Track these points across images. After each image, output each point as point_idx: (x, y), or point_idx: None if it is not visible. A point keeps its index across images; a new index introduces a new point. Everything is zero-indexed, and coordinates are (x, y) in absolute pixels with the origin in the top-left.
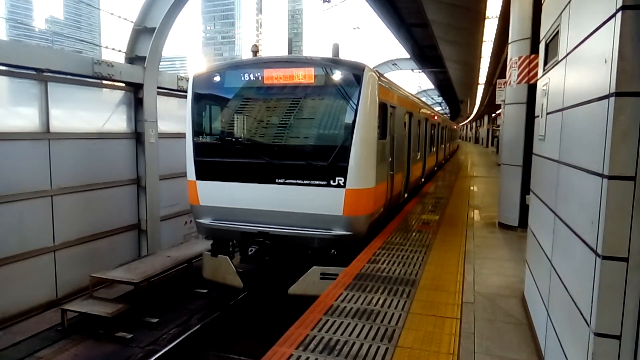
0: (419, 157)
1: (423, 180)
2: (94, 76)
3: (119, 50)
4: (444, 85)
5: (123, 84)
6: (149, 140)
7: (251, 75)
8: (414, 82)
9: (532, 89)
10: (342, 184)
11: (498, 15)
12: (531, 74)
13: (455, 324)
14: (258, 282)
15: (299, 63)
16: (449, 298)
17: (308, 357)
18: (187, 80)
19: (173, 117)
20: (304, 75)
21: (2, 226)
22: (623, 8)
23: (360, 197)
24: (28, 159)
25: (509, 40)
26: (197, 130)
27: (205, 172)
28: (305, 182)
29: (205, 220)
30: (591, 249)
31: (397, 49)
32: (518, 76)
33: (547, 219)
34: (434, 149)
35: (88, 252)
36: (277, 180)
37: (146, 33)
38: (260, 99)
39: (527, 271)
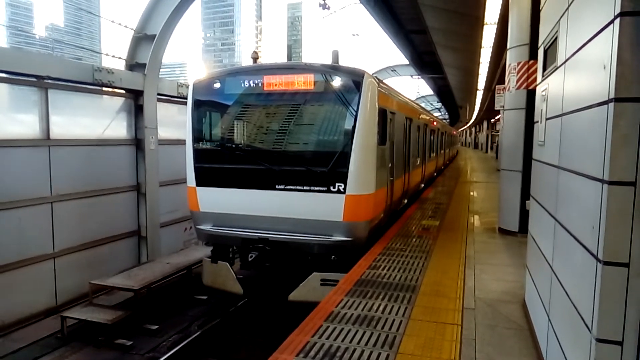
0: (418, 162)
1: (423, 185)
2: (94, 83)
3: (119, 58)
4: (443, 91)
5: (123, 91)
6: (149, 147)
7: (251, 82)
8: (413, 88)
9: (531, 95)
10: (342, 190)
11: (497, 22)
12: (530, 80)
13: (456, 330)
14: (258, 289)
15: (298, 69)
16: (449, 304)
17: None
18: (187, 87)
19: (173, 123)
20: (303, 82)
21: (1, 233)
22: (622, 14)
23: (360, 202)
24: (28, 166)
25: (508, 46)
26: (197, 137)
27: (205, 178)
28: (305, 188)
29: (205, 227)
30: (592, 254)
31: (396, 55)
32: (517, 82)
33: (548, 225)
34: (434, 154)
35: (88, 258)
36: (277, 186)
37: (146, 40)
38: (260, 105)
39: (527, 276)
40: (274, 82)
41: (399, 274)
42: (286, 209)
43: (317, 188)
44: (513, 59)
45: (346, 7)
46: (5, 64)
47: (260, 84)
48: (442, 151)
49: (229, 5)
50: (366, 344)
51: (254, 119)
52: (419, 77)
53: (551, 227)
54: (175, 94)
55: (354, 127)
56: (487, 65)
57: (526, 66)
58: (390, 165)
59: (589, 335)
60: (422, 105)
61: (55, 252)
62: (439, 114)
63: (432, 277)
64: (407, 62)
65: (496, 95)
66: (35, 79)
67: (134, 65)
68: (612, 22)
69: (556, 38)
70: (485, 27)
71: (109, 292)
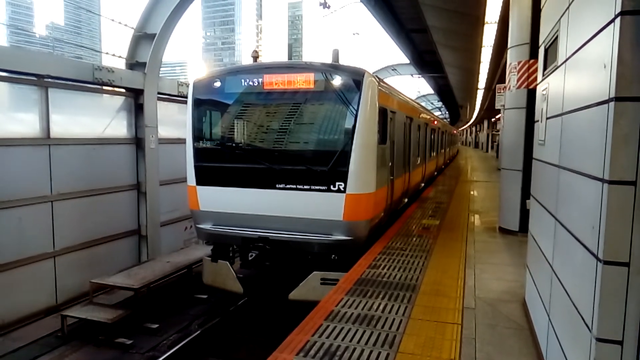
0: (419, 161)
1: (423, 185)
2: (94, 82)
3: (120, 56)
4: (443, 90)
5: (123, 90)
6: (149, 146)
7: (251, 81)
8: (414, 87)
9: (531, 94)
10: (342, 189)
11: (497, 21)
12: (530, 79)
13: (456, 330)
14: (258, 288)
15: (299, 68)
16: (449, 303)
17: None
18: (188, 86)
19: (173, 122)
20: (304, 81)
21: (2, 232)
22: (622, 13)
23: (361, 202)
24: (28, 165)
25: (508, 46)
26: (198, 136)
27: (205, 177)
28: (305, 187)
29: (206, 226)
30: (592, 253)
31: (396, 54)
32: (517, 81)
33: (548, 224)
34: (434, 153)
35: (88, 257)
36: (277, 186)
37: (146, 39)
38: (260, 104)
39: (527, 276)
40: (274, 81)
41: (399, 273)
42: (286, 208)
43: (317, 187)
44: (513, 58)
45: (346, 6)
46: (6, 63)
47: (260, 83)
48: (443, 150)
49: (229, 4)
50: (366, 343)
51: (254, 118)
52: (420, 76)
53: (551, 226)
54: (176, 93)
55: (354, 126)
56: (488, 64)
57: (527, 65)
58: (390, 164)
59: (589, 334)
60: (423, 104)
61: (56, 251)
62: (440, 113)
63: (432, 277)
64: (408, 61)
65: (497, 94)
66: (35, 78)
67: (134, 64)
68: (612, 21)
69: (557, 37)
70: (485, 26)
71: (109, 291)
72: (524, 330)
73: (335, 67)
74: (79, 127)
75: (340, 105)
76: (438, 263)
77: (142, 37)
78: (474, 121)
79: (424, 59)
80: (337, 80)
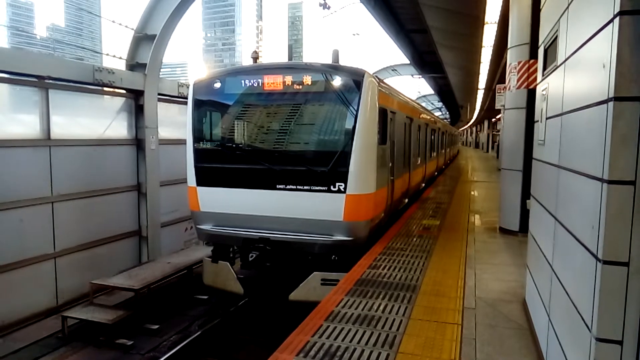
0: (419, 162)
1: (423, 185)
2: (94, 83)
3: (120, 58)
4: (443, 91)
5: (124, 91)
6: (150, 147)
7: (251, 82)
8: (414, 87)
9: (531, 94)
10: (342, 190)
11: (497, 21)
12: (530, 79)
13: (457, 330)
14: (259, 288)
15: (299, 69)
16: (450, 303)
17: None
18: (188, 87)
19: (174, 123)
20: (304, 82)
21: (2, 233)
22: (621, 13)
23: (361, 202)
24: (29, 166)
25: (508, 46)
26: (198, 137)
27: (205, 178)
28: (305, 187)
29: (206, 227)
30: (592, 253)
31: (396, 55)
32: (517, 81)
33: (548, 224)
34: (435, 154)
35: (88, 258)
36: (277, 186)
37: (147, 40)
38: (260, 105)
39: (528, 276)
40: (275, 82)
41: (400, 273)
42: (287, 208)
43: (317, 188)
44: (513, 58)
45: (346, 7)
46: (6, 65)
47: (260, 84)
48: (443, 150)
49: (229, 5)
50: (366, 343)
51: (255, 118)
52: (420, 76)
53: (551, 226)
54: (176, 94)
55: (354, 126)
56: (488, 64)
57: (526, 65)
58: (390, 164)
59: (589, 334)
60: (423, 104)
61: (56, 252)
62: (440, 113)
63: (432, 277)
64: (408, 62)
65: (497, 94)
66: (36, 79)
67: (134, 65)
68: (611, 21)
69: (556, 37)
70: (485, 26)
71: (110, 292)
72: (524, 330)
73: (335, 68)
74: (80, 128)
75: (341, 106)
76: (438, 263)
77: (143, 38)
78: (474, 121)
79: (424, 60)
80: (337, 81)
